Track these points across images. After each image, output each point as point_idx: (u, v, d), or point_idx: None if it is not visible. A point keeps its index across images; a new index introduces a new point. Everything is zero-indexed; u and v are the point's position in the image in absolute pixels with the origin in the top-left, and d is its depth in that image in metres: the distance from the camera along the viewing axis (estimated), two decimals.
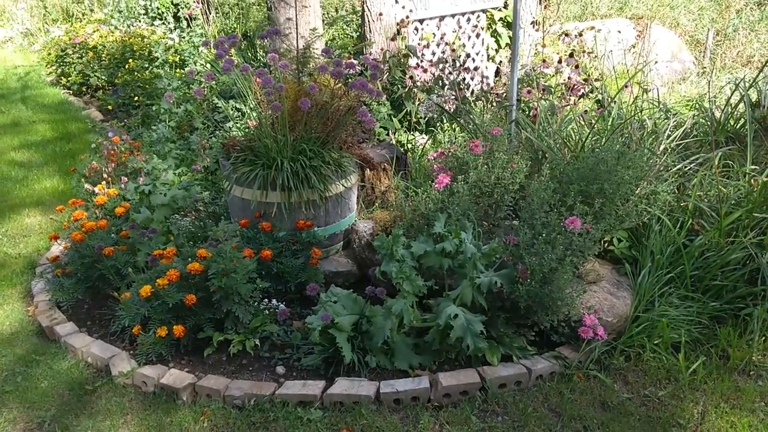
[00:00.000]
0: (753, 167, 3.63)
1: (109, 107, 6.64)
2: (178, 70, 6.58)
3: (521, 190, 3.45)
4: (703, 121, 4.40)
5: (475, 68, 6.42)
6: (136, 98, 6.27)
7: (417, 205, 3.45)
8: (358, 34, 6.73)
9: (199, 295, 2.97)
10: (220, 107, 5.05)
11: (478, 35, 6.65)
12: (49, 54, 8.19)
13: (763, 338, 3.10)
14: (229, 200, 3.66)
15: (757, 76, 4.46)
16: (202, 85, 5.46)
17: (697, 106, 4.71)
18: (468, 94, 5.66)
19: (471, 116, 4.38)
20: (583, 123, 4.34)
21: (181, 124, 5.30)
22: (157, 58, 6.77)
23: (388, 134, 5.11)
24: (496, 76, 6.98)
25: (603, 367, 2.95)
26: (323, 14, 8.01)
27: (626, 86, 4.78)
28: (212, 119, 5.16)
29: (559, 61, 5.43)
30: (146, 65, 6.81)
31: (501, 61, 6.92)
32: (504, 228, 3.43)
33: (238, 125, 4.77)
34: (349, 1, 9.16)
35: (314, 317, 2.92)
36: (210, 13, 9.07)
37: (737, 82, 4.46)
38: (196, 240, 3.51)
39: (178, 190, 3.94)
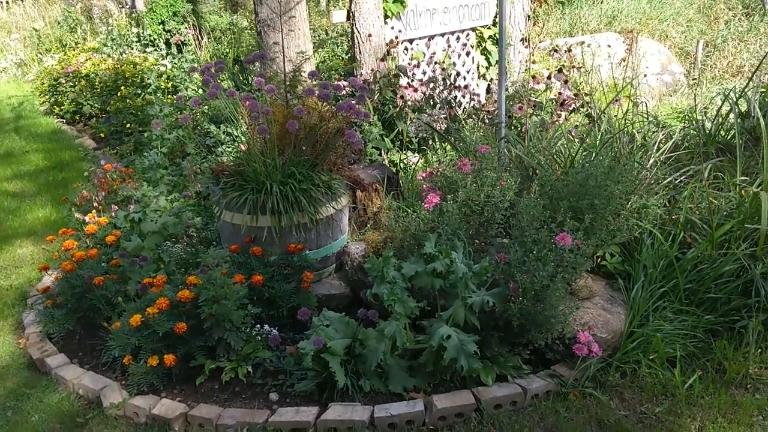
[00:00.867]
0: (743, 178, 3.63)
1: (102, 135, 6.66)
2: (170, 96, 6.61)
3: (512, 207, 3.45)
4: (694, 132, 4.41)
5: (466, 86, 6.44)
6: (128, 125, 6.29)
7: (407, 226, 3.44)
8: (348, 55, 6.77)
9: (190, 322, 2.95)
10: (212, 132, 5.06)
11: (468, 53, 6.69)
12: (43, 83, 8.24)
13: (759, 350, 3.07)
14: (219, 226, 3.65)
15: (746, 86, 4.48)
16: (192, 112, 5.47)
17: (688, 117, 4.72)
18: (459, 113, 5.68)
19: (461, 134, 4.38)
20: (573, 138, 4.34)
21: (173, 150, 5.31)
22: (149, 85, 6.80)
23: (380, 154, 5.11)
24: (487, 93, 7.01)
25: (599, 385, 2.92)
26: (313, 37, 8.07)
27: (616, 100, 4.80)
28: (204, 144, 5.17)
29: (549, 77, 5.45)
30: (138, 92, 6.84)
31: (492, 79, 6.96)
32: (495, 246, 3.42)
33: (230, 150, 4.77)
34: (339, 24, 9.23)
35: (306, 342, 2.89)
36: (202, 39, 9.14)
37: (727, 93, 4.48)
38: (187, 267, 3.49)
39: (169, 216, 3.93)
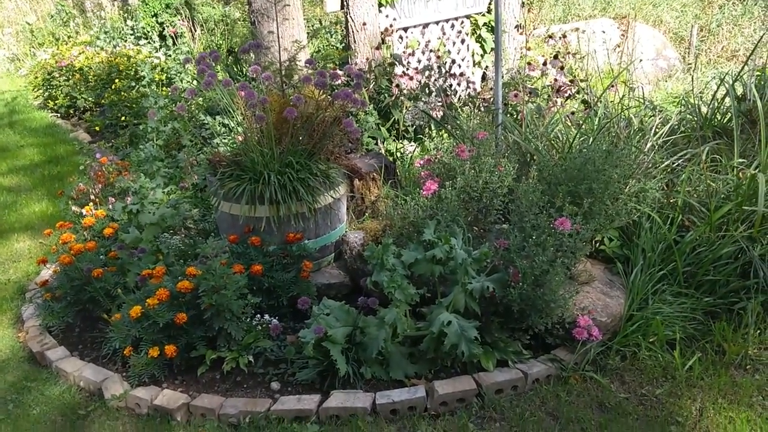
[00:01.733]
0: (741, 160, 3.64)
1: (97, 128, 6.62)
2: (164, 88, 6.57)
3: (510, 193, 3.44)
4: (690, 116, 4.41)
5: (461, 74, 6.43)
6: (123, 118, 6.26)
7: (406, 213, 3.44)
8: (343, 44, 6.74)
9: (190, 313, 2.94)
10: (208, 124, 5.03)
11: (462, 41, 6.67)
12: (36, 78, 8.18)
13: (758, 332, 3.09)
14: (217, 217, 3.64)
15: (742, 69, 4.47)
16: (188, 102, 5.45)
17: (684, 102, 4.72)
18: (455, 100, 5.66)
19: (457, 122, 4.37)
20: (570, 124, 4.34)
21: (168, 142, 5.29)
22: (144, 78, 6.76)
23: (376, 143, 5.10)
24: (482, 81, 7.00)
25: (599, 368, 2.93)
26: (308, 26, 8.03)
27: (612, 86, 4.79)
28: (199, 136, 5.15)
29: (545, 63, 5.44)
30: (133, 85, 6.80)
31: (487, 66, 6.94)
32: (494, 232, 3.42)
33: (226, 141, 4.76)
34: (333, 13, 9.19)
35: (307, 331, 2.90)
36: (196, 31, 9.08)
37: (722, 76, 4.48)
38: (186, 258, 3.48)
39: (166, 208, 3.92)
